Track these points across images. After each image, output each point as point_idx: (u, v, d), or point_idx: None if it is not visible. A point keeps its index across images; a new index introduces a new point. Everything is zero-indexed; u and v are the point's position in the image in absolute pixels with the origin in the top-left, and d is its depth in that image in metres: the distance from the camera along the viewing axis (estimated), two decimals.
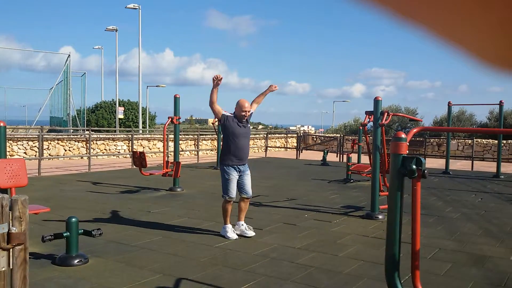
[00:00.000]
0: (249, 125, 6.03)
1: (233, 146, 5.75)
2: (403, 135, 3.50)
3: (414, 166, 3.24)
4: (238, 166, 5.80)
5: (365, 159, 13.51)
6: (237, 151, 5.76)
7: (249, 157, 6.06)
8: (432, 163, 17.35)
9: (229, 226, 5.85)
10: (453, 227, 6.69)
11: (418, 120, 12.30)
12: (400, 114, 10.75)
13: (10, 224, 2.23)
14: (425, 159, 3.20)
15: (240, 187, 5.88)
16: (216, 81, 5.72)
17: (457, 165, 17.37)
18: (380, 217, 7.07)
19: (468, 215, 7.61)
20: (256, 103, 6.13)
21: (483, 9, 0.44)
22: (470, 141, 20.81)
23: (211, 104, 5.81)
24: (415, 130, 4.03)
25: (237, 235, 5.84)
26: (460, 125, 28.10)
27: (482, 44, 0.50)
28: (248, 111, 5.84)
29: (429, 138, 22.37)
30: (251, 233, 5.89)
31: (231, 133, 5.76)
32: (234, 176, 5.77)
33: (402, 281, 3.17)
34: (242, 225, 5.93)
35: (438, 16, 0.46)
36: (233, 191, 5.77)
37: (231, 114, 5.88)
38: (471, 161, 16.47)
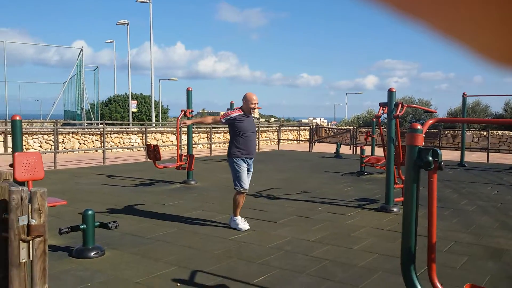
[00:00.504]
0: (252, 118, 6.09)
1: (242, 141, 5.81)
2: (419, 127, 3.46)
3: (430, 158, 3.21)
4: (247, 159, 5.88)
5: (379, 152, 13.43)
6: (247, 146, 5.84)
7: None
8: (447, 155, 17.17)
9: (239, 218, 5.90)
10: (469, 220, 6.63)
11: (433, 111, 12.17)
12: (415, 105, 10.64)
13: (30, 216, 2.26)
14: (440, 151, 3.16)
15: None
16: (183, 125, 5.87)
17: (472, 157, 17.18)
18: (394, 210, 7.03)
19: (484, 207, 7.53)
20: None
21: (484, 4, 0.43)
22: (485, 133, 20.54)
23: (205, 124, 5.91)
24: (431, 121, 3.98)
25: (232, 228, 5.88)
26: (475, 116, 27.76)
27: (484, 40, 0.49)
28: (257, 103, 5.92)
29: (444, 129, 22.14)
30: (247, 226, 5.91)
31: (240, 130, 5.81)
32: (244, 167, 5.84)
33: (417, 274, 3.15)
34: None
35: (439, 12, 0.45)
36: (246, 181, 5.83)
37: (237, 111, 5.89)
38: (486, 153, 16.27)
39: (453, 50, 0.49)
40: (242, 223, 5.86)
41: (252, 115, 6.06)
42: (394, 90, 7.25)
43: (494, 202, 7.99)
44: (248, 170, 5.92)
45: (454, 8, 0.44)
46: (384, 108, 7.45)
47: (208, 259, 4.67)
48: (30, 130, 16.69)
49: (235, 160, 5.82)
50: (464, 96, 14.18)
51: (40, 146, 15.95)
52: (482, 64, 0.51)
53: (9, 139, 14.54)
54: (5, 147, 14.90)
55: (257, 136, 21.46)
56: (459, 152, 14.88)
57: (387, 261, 4.65)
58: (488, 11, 0.43)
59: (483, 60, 0.51)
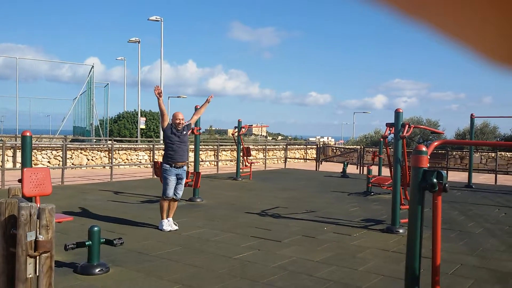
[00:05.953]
0: (186, 134, 7.07)
1: (169, 149, 6.91)
2: (424, 148, 3.48)
3: (435, 180, 3.22)
4: (176, 168, 6.91)
5: (386, 172, 13.38)
6: (173, 154, 6.88)
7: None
8: (455, 176, 17.06)
9: (165, 221, 6.77)
10: (475, 242, 6.57)
11: (440, 132, 12.16)
12: (422, 126, 10.63)
13: (38, 232, 2.30)
14: (447, 172, 3.18)
15: (174, 189, 6.96)
16: (157, 93, 6.80)
17: (480, 178, 17.05)
18: (401, 231, 6.99)
19: (491, 230, 7.46)
20: (196, 115, 7.71)
21: (487, 5, 0.44)
22: (493, 154, 20.41)
23: (163, 113, 6.99)
24: (436, 143, 4.00)
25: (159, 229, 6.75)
26: (483, 137, 27.64)
27: (487, 41, 0.50)
28: (182, 119, 6.98)
29: (452, 150, 22.04)
30: (175, 227, 6.83)
31: (167, 138, 6.93)
32: (172, 178, 6.89)
33: None
34: (169, 220, 6.86)
35: (443, 13, 0.46)
36: (171, 191, 6.90)
37: (172, 123, 6.99)
38: (494, 175, 16.15)
39: (456, 51, 0.50)
40: (166, 225, 6.70)
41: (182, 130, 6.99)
42: (401, 110, 7.28)
43: (502, 225, 7.92)
44: (178, 180, 6.98)
45: (457, 9, 0.45)
46: (391, 129, 7.47)
47: (212, 278, 4.67)
48: (39, 145, 16.85)
49: (165, 167, 6.93)
50: (472, 117, 14.15)
51: (49, 162, 16.08)
52: (486, 65, 0.52)
53: (18, 154, 14.68)
54: (14, 162, 15.05)
55: (264, 154, 21.52)
56: (467, 173, 14.79)
57: (392, 283, 4.62)
58: (492, 12, 0.44)
59: (486, 61, 0.52)
